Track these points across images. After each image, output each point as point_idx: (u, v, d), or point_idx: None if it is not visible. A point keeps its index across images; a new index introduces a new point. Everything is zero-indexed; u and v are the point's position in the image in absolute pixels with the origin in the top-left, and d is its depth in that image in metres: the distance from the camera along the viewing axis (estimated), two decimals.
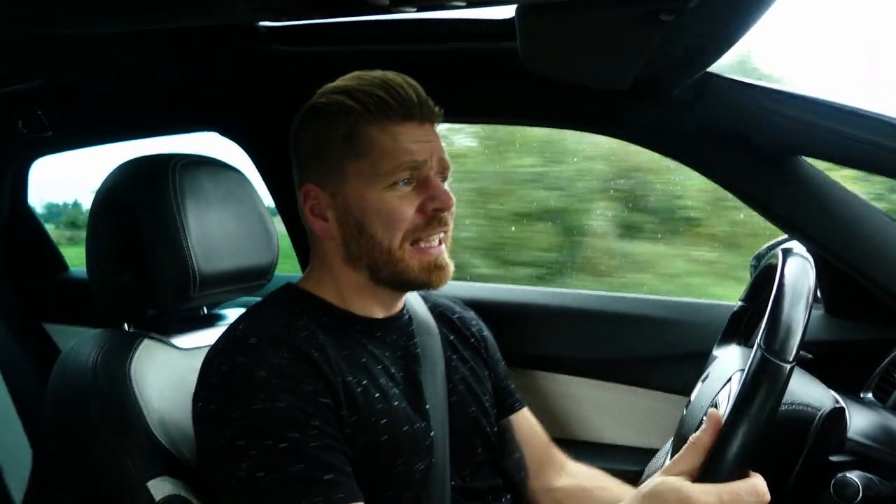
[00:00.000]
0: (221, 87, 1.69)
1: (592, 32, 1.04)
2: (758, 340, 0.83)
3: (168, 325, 1.22)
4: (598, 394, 1.68)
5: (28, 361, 2.09)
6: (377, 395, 1.00)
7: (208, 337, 1.24)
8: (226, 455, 0.90)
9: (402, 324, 1.14)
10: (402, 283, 1.06)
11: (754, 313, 1.21)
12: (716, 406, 0.99)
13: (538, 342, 1.70)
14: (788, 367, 0.80)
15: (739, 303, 1.24)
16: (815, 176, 1.36)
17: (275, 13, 1.22)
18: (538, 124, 1.63)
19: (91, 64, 1.46)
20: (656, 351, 1.61)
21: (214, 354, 0.99)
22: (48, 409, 1.09)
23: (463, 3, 0.87)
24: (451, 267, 1.07)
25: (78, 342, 1.12)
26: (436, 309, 1.24)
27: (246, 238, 1.25)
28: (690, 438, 0.84)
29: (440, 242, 1.05)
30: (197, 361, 1.18)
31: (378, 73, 1.05)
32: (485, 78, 1.45)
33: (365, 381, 1.00)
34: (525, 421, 1.29)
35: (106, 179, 1.19)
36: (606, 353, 1.66)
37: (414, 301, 1.20)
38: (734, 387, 0.97)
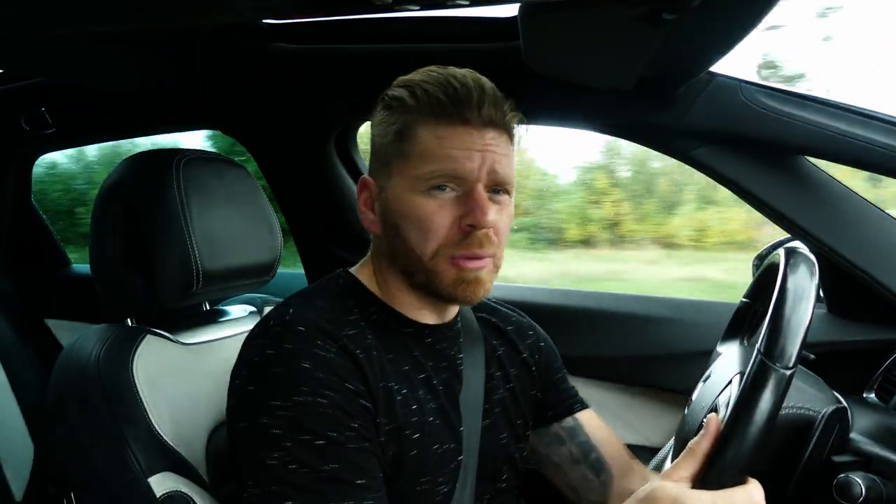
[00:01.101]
0: (224, 85, 1.69)
1: (595, 31, 1.04)
2: (757, 345, 0.83)
3: (171, 320, 1.22)
4: (600, 392, 1.68)
5: (30, 356, 2.09)
6: (414, 406, 0.97)
7: (211, 333, 1.25)
8: (259, 440, 0.87)
9: (454, 333, 1.08)
10: (433, 293, 0.99)
11: (757, 310, 1.20)
12: (715, 409, 0.99)
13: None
14: (788, 373, 0.80)
15: (743, 300, 1.24)
16: (819, 176, 1.37)
17: (277, 11, 1.22)
18: (541, 124, 1.63)
19: (94, 63, 1.47)
20: (658, 350, 1.61)
21: (259, 333, 0.94)
22: (50, 403, 1.09)
23: (466, 2, 0.86)
24: (489, 285, 0.98)
25: (81, 337, 1.12)
26: (489, 319, 1.18)
27: (249, 234, 1.25)
28: (689, 444, 0.84)
29: (482, 258, 0.95)
30: (199, 357, 1.19)
31: (451, 69, 0.97)
32: (488, 77, 1.45)
33: (405, 390, 0.96)
34: (595, 421, 1.22)
35: (110, 175, 1.19)
36: (608, 351, 1.66)
37: (467, 310, 1.14)
38: (734, 390, 0.96)
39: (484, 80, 0.97)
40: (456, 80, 0.95)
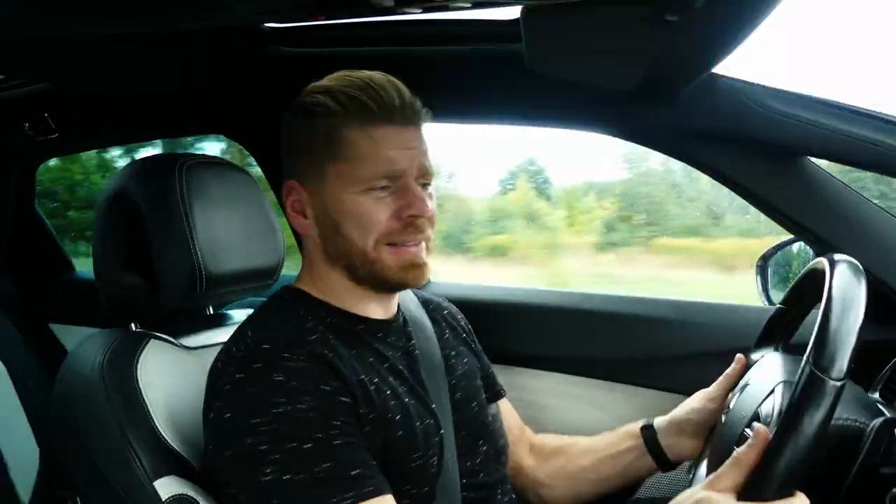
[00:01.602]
0: (226, 90, 1.69)
1: (597, 33, 1.04)
2: (806, 355, 0.81)
3: (174, 324, 1.22)
4: (602, 394, 1.68)
5: (35, 361, 2.10)
6: (388, 391, 1.00)
7: (214, 336, 1.25)
8: (249, 462, 0.88)
9: (399, 325, 1.13)
10: (380, 283, 1.05)
11: (794, 317, 1.19)
12: (758, 418, 0.97)
13: (543, 342, 1.70)
14: (839, 384, 0.78)
15: (779, 305, 1.23)
16: (822, 176, 1.36)
17: (279, 15, 1.22)
18: (543, 125, 1.63)
19: (96, 67, 1.47)
20: (660, 351, 1.61)
21: (226, 363, 0.97)
22: (55, 408, 1.09)
23: (468, 4, 0.87)
24: (430, 265, 1.06)
25: (85, 342, 1.12)
26: (428, 306, 1.25)
27: (252, 238, 1.25)
28: (735, 453, 0.83)
29: (419, 243, 1.04)
30: (203, 361, 1.18)
31: (363, 73, 1.03)
32: (490, 80, 1.45)
33: (376, 380, 1.00)
34: (509, 408, 1.33)
35: (113, 179, 1.19)
36: (610, 353, 1.66)
37: (408, 301, 1.20)
38: (778, 400, 0.95)
39: (396, 80, 1.03)
40: (375, 83, 1.01)
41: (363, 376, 0.98)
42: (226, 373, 0.95)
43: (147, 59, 1.46)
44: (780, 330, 1.21)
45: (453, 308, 1.32)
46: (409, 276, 1.03)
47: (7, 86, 1.87)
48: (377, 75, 1.03)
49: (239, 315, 1.35)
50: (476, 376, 1.23)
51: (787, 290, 1.21)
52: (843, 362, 0.79)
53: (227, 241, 1.20)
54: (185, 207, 1.14)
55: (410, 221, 1.01)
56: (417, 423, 1.01)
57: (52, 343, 2.22)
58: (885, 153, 1.26)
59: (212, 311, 1.34)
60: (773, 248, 1.52)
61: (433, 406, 1.07)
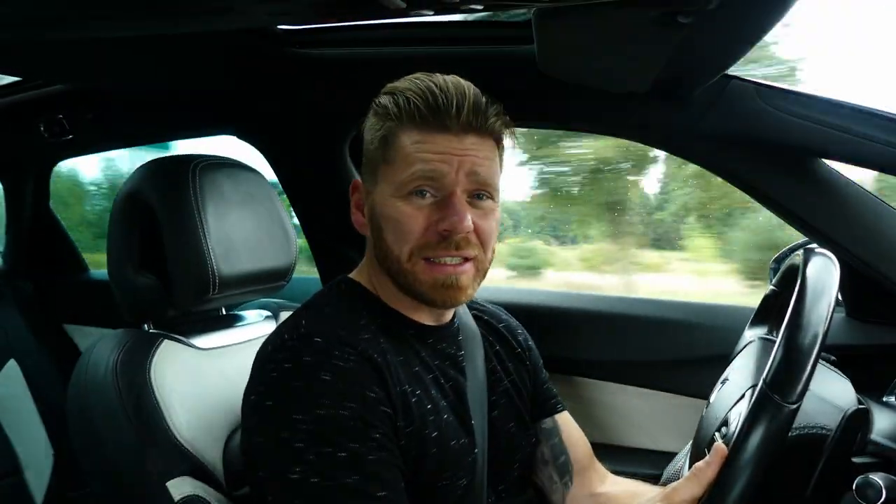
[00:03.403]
0: (239, 91, 1.70)
1: (609, 35, 1.04)
2: (763, 375, 0.82)
3: (187, 325, 1.23)
4: (617, 397, 1.67)
5: (49, 361, 2.11)
6: (429, 406, 0.98)
7: (227, 337, 1.25)
8: (280, 454, 0.87)
9: (452, 332, 1.10)
10: (415, 297, 1.01)
11: (786, 299, 1.19)
12: (727, 422, 0.98)
13: (557, 345, 1.69)
14: (793, 407, 0.79)
15: (771, 287, 1.23)
16: (836, 178, 1.35)
17: (293, 17, 1.23)
18: (556, 127, 1.63)
19: (111, 67, 1.48)
20: (676, 354, 1.60)
21: (276, 349, 0.94)
22: (69, 408, 1.10)
23: (479, 6, 0.87)
24: (470, 290, 0.99)
25: (99, 342, 1.13)
26: (481, 317, 1.21)
27: (265, 240, 1.26)
28: (693, 467, 0.85)
29: (464, 261, 0.98)
30: (216, 361, 1.19)
31: (435, 77, 0.98)
32: (502, 81, 1.45)
33: (419, 392, 0.98)
34: (570, 424, 1.25)
35: (127, 181, 1.20)
36: (625, 356, 1.65)
37: (461, 308, 1.15)
38: (744, 409, 0.95)
39: (467, 86, 0.98)
40: (437, 88, 0.96)
41: (406, 387, 0.96)
42: (274, 359, 0.93)
43: (162, 59, 1.48)
44: (773, 310, 1.21)
45: (513, 322, 1.26)
46: (442, 296, 0.98)
47: (22, 87, 1.89)
48: (445, 80, 0.98)
49: (252, 316, 1.36)
50: (521, 396, 1.18)
51: (779, 273, 1.21)
52: (798, 385, 0.79)
53: (240, 242, 1.20)
54: (199, 208, 1.15)
55: (446, 236, 0.95)
56: (452, 443, 0.99)
57: (66, 344, 2.24)
58: None
59: (224, 312, 1.35)
60: (787, 249, 1.51)
61: (472, 422, 1.05)
